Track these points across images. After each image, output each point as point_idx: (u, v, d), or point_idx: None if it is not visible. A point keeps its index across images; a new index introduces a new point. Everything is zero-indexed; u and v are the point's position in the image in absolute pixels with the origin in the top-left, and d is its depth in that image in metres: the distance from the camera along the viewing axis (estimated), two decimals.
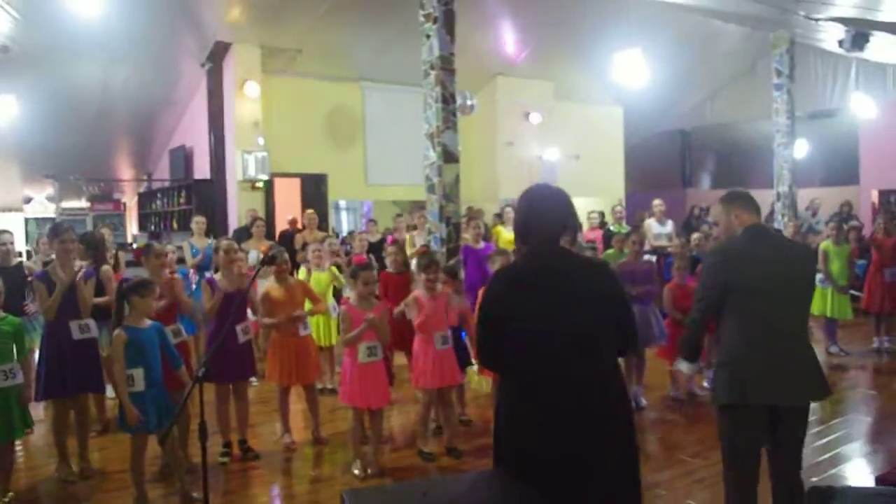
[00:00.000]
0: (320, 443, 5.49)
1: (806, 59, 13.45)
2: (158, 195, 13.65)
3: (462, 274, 7.66)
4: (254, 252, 7.88)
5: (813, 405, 3.45)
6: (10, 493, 4.41)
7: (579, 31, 12.14)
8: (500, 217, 10.32)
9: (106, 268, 5.76)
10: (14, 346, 4.36)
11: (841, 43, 10.58)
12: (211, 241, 8.32)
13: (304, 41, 11.49)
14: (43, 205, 14.25)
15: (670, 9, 11.04)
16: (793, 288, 3.30)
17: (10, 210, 13.70)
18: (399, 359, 6.33)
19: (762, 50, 12.49)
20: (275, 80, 12.02)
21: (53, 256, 5.11)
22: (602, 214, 11.68)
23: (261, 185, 11.72)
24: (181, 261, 8.01)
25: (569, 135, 14.88)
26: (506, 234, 9.13)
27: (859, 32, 10.20)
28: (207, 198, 11.80)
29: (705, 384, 6.63)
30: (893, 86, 13.50)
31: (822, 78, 14.25)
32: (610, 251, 7.53)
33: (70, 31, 9.25)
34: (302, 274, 7.15)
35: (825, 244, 8.16)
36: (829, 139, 15.45)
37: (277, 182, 12.12)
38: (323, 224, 11.37)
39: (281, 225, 11.50)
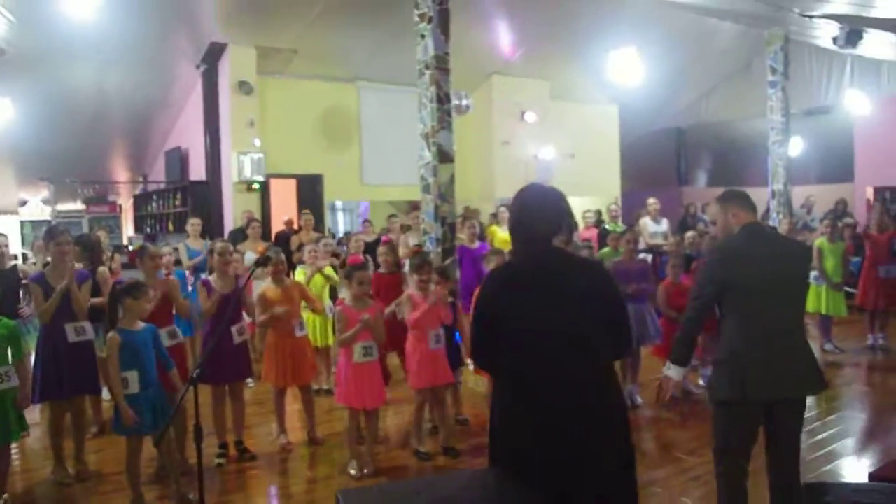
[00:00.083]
0: (316, 443, 5.50)
1: (801, 57, 13.46)
2: (154, 197, 13.65)
3: (458, 274, 7.68)
4: (250, 253, 7.88)
5: (808, 402, 3.50)
6: (6, 496, 4.41)
7: (574, 30, 12.15)
8: (495, 217, 10.33)
9: (102, 269, 5.77)
10: (9, 348, 4.36)
11: (835, 40, 10.59)
12: (207, 242, 8.32)
13: (300, 42, 11.49)
14: (38, 207, 14.22)
15: (665, 7, 11.06)
16: (789, 285, 3.36)
17: (5, 213, 13.68)
18: (391, 359, 6.34)
19: (757, 47, 12.50)
20: (270, 81, 12.02)
21: (49, 259, 5.11)
22: (599, 213, 11.70)
23: (256, 186, 11.72)
24: (179, 263, 8.01)
25: (564, 133, 14.89)
26: (501, 234, 9.14)
27: (853, 29, 10.21)
28: (203, 199, 11.79)
29: (701, 382, 6.65)
30: (888, 82, 13.52)
31: (816, 75, 14.27)
32: (605, 250, 7.54)
33: (65, 34, 9.24)
34: (299, 275, 7.15)
35: (819, 241, 8.16)
36: (824, 136, 15.47)
37: (273, 183, 12.13)
38: (319, 225, 11.37)
39: (277, 226, 11.50)
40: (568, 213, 2.75)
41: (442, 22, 7.45)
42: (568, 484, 2.48)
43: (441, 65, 7.48)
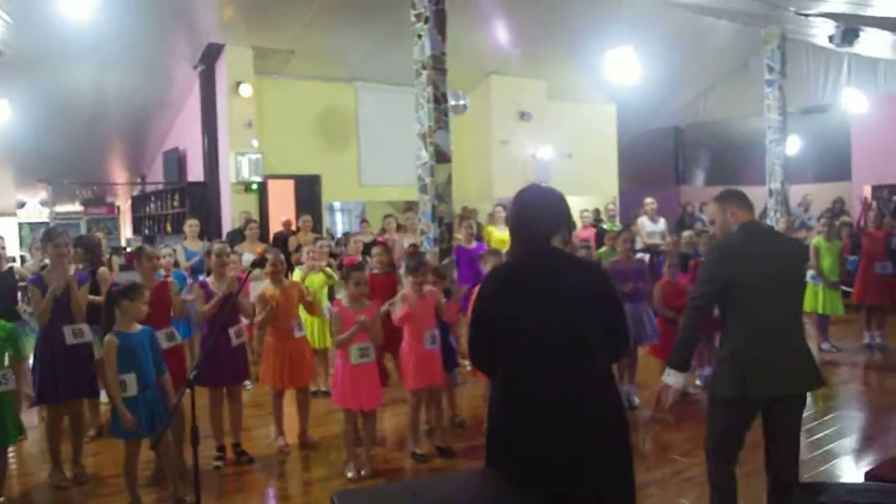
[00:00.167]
0: (308, 446, 5.49)
1: (798, 55, 13.47)
2: (152, 198, 13.63)
3: (455, 274, 7.69)
4: (247, 254, 7.89)
5: (806, 402, 3.53)
6: (3, 500, 4.42)
7: (571, 29, 12.15)
8: (492, 217, 10.34)
9: (103, 269, 5.80)
10: (7, 351, 4.36)
11: (831, 38, 10.60)
12: (205, 243, 8.32)
13: (297, 42, 11.48)
14: (36, 209, 14.21)
15: (661, 6, 11.06)
16: (787, 283, 3.40)
17: (3, 215, 13.65)
18: (388, 360, 6.34)
19: (754, 46, 12.51)
20: (268, 82, 12.02)
21: (47, 261, 5.11)
22: (597, 212, 11.71)
23: (254, 187, 11.72)
24: (178, 264, 8.01)
25: (562, 133, 14.89)
26: (497, 234, 9.15)
27: (849, 28, 10.22)
28: (201, 200, 11.78)
29: (698, 383, 6.66)
30: (885, 81, 13.52)
31: (813, 73, 14.26)
32: (602, 249, 7.56)
33: (62, 35, 9.23)
34: (296, 276, 7.16)
35: (816, 240, 8.18)
36: (822, 135, 15.46)
37: (271, 184, 12.12)
38: (317, 226, 11.37)
39: (275, 227, 11.49)
40: (567, 214, 2.76)
41: (438, 22, 7.46)
42: (565, 484, 2.49)
43: (438, 65, 7.49)
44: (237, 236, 9.29)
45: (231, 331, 5.18)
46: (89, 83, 11.08)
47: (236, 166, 11.47)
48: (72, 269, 5.04)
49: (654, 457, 5.13)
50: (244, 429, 5.50)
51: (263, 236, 10.21)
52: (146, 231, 13.70)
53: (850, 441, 5.36)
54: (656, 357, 6.51)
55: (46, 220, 12.64)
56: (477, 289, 4.59)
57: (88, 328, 5.02)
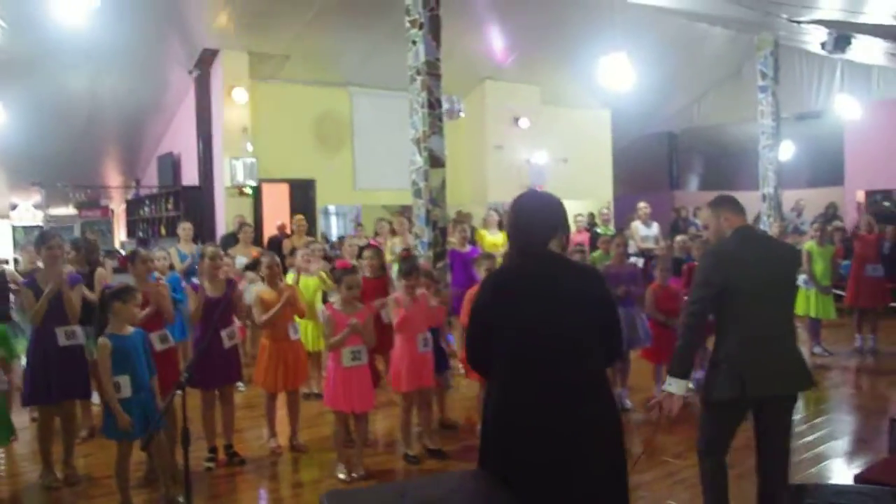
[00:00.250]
0: (297, 450, 5.49)
1: (791, 61, 13.56)
2: (146, 202, 13.64)
3: (449, 277, 7.71)
4: (240, 258, 7.89)
5: (797, 405, 3.58)
6: None
7: (565, 35, 12.20)
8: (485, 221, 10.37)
9: (100, 270, 5.82)
10: None
11: (824, 45, 10.66)
12: (198, 246, 8.32)
13: (292, 47, 11.51)
14: (30, 212, 14.18)
15: (655, 12, 11.11)
16: (780, 287, 3.45)
17: None
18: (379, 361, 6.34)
19: (748, 52, 12.58)
20: (263, 87, 12.04)
21: (40, 264, 5.12)
22: (592, 216, 11.74)
23: (249, 190, 11.72)
24: (174, 267, 8.00)
25: (557, 138, 14.95)
26: (489, 238, 9.18)
27: (841, 35, 10.28)
28: (196, 204, 11.79)
29: (690, 386, 6.66)
30: (878, 87, 13.61)
31: (807, 79, 14.36)
32: (595, 253, 7.59)
33: (57, 39, 9.23)
34: (289, 279, 7.16)
35: (809, 245, 8.21)
36: (815, 140, 15.53)
37: (266, 188, 12.14)
38: (311, 229, 11.38)
39: (269, 231, 11.50)
40: (565, 219, 2.78)
41: (433, 28, 7.49)
42: (557, 487, 2.50)
43: (432, 70, 7.52)
44: (231, 240, 9.29)
45: (223, 333, 5.19)
46: (84, 87, 11.09)
47: (231, 170, 11.49)
48: (66, 270, 5.04)
49: (644, 459, 5.13)
50: (236, 430, 5.49)
51: (258, 240, 10.22)
52: (140, 234, 13.70)
53: (840, 444, 5.37)
54: (648, 361, 6.53)
55: (40, 223, 12.63)
56: (471, 291, 4.60)
57: (81, 330, 5.02)
